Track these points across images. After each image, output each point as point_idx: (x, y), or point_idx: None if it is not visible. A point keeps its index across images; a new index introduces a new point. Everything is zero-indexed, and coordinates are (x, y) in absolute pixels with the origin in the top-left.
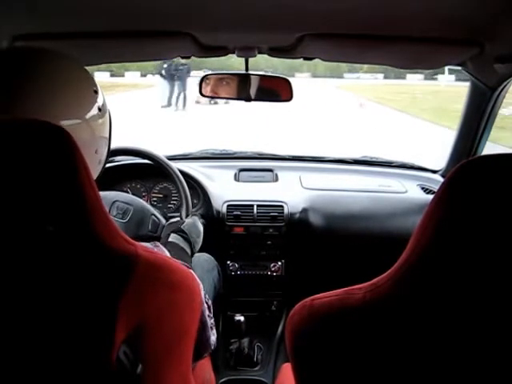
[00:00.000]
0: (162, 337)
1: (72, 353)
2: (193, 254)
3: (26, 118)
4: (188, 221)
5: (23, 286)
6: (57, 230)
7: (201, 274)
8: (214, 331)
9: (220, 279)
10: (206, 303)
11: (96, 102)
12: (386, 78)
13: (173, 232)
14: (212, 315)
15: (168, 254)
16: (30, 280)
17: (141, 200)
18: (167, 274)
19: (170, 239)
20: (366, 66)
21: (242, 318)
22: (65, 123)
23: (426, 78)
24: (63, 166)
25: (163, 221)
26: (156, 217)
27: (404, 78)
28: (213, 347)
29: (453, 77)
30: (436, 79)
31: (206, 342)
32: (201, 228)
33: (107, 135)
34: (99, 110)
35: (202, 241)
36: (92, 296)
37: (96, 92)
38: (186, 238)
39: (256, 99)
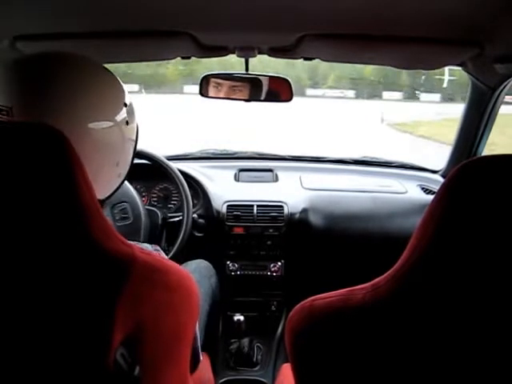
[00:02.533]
0: (160, 338)
1: (69, 355)
2: None
3: (25, 121)
4: None
5: (19, 288)
6: (53, 233)
7: (199, 280)
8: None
9: (218, 287)
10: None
11: (124, 108)
12: (357, 96)
13: None
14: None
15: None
16: (26, 282)
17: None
18: (164, 275)
19: None
20: (330, 80)
21: (241, 318)
22: (94, 125)
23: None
24: (59, 169)
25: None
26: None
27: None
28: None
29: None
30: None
31: (197, 354)
32: None
33: (134, 139)
34: (127, 116)
35: None
36: (89, 298)
37: (125, 104)
38: None
39: (256, 99)
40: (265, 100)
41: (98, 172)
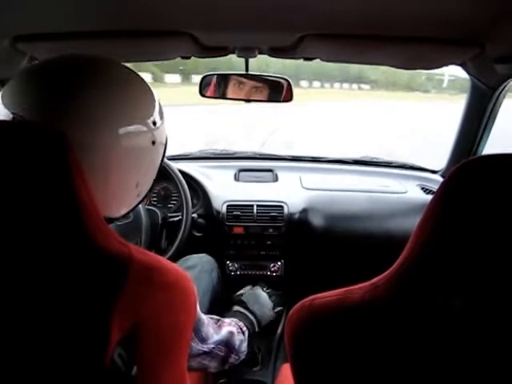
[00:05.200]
0: (158, 337)
1: (66, 354)
2: (260, 325)
3: (27, 121)
4: (249, 292)
5: (17, 287)
6: (51, 233)
7: (198, 274)
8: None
9: (219, 282)
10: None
11: (155, 112)
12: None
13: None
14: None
15: None
16: (24, 281)
17: None
18: (161, 274)
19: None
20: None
21: None
22: (124, 131)
23: None
24: (56, 169)
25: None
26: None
27: None
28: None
29: None
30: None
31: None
32: (263, 297)
33: (164, 143)
34: (157, 117)
35: (268, 313)
36: (86, 297)
37: (155, 105)
38: (247, 308)
39: (256, 100)
40: (265, 100)
41: (121, 184)
